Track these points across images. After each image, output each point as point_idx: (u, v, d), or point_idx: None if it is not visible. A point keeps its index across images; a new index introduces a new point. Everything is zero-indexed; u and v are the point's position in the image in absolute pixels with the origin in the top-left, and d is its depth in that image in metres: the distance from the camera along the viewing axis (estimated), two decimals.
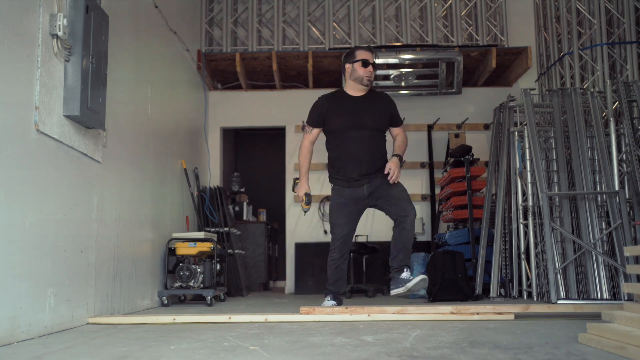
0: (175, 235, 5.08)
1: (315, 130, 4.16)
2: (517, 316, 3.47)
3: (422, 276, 3.86)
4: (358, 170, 3.98)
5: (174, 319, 3.33)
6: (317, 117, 4.12)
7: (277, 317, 3.40)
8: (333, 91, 4.25)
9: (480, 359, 1.95)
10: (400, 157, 4.03)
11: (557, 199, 5.08)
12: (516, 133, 5.54)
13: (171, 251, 4.98)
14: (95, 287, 3.46)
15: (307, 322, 3.26)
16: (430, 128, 7.28)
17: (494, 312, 3.45)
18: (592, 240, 4.83)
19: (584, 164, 5.12)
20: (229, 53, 6.86)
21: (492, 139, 6.41)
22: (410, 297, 5.59)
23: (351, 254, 6.13)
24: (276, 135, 8.46)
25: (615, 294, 4.67)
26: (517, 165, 5.48)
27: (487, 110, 7.10)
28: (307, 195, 4.13)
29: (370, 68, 3.99)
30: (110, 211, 3.74)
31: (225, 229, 6.24)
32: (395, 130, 4.17)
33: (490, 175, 6.13)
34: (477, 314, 3.42)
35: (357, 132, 3.99)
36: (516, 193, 5.48)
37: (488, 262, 5.44)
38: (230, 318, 3.36)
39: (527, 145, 5.30)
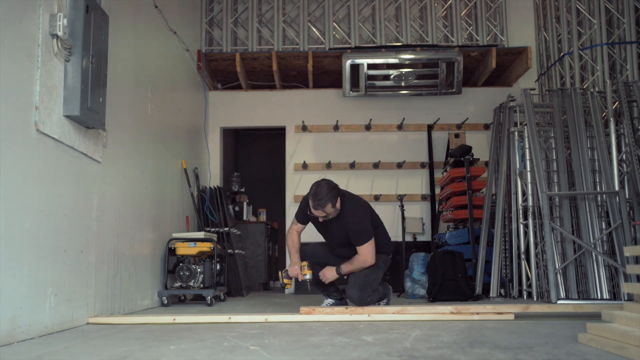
0: (175, 235, 5.08)
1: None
2: (517, 316, 3.47)
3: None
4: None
5: (174, 319, 3.33)
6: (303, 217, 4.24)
7: (277, 317, 3.40)
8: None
9: (480, 359, 1.95)
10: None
11: (557, 199, 5.08)
12: (516, 133, 5.54)
13: (171, 251, 4.98)
14: (95, 287, 3.46)
15: (307, 322, 3.26)
16: (430, 128, 7.28)
17: (494, 312, 3.45)
18: (592, 240, 4.83)
19: (584, 164, 5.12)
20: (229, 53, 6.86)
21: (492, 139, 6.41)
22: (410, 297, 5.59)
23: None
24: (276, 135, 8.46)
25: (615, 294, 4.67)
26: (517, 165, 5.48)
27: (487, 110, 7.10)
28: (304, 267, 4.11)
29: (321, 218, 3.97)
30: (110, 211, 3.74)
31: (225, 229, 6.23)
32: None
33: (490, 175, 6.13)
34: (477, 314, 3.42)
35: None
36: (516, 193, 5.48)
37: (488, 262, 5.44)
38: (230, 318, 3.36)
39: (527, 145, 5.30)
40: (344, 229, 3.95)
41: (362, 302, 3.84)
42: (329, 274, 4.01)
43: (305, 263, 4.06)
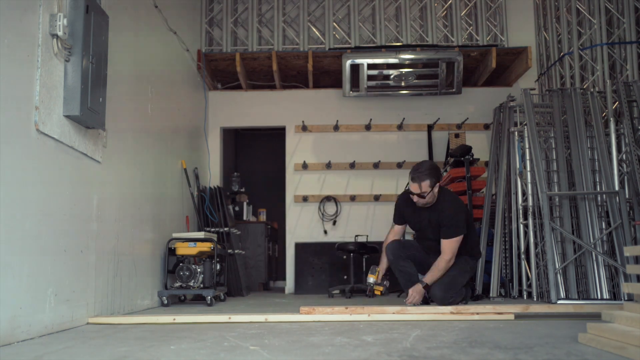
0: (175, 235, 5.08)
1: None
2: (517, 316, 3.47)
3: None
4: None
5: (174, 319, 3.33)
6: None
7: (277, 317, 3.40)
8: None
9: (480, 359, 1.95)
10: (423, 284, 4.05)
11: (557, 199, 5.08)
12: (516, 133, 5.54)
13: (171, 251, 4.98)
14: (95, 287, 3.46)
15: (307, 322, 3.26)
16: (430, 128, 7.28)
17: (494, 312, 3.45)
18: (592, 240, 4.83)
19: (584, 164, 5.12)
20: (229, 53, 6.86)
21: (492, 139, 6.41)
22: None
23: (351, 254, 6.12)
24: (276, 135, 8.46)
25: (615, 294, 4.67)
26: (517, 165, 5.48)
27: (487, 110, 7.10)
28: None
29: (418, 198, 4.01)
30: (110, 211, 3.74)
31: (225, 229, 6.23)
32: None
33: (490, 175, 6.13)
34: (477, 314, 3.42)
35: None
36: (516, 193, 5.48)
37: (488, 262, 5.44)
38: (230, 318, 3.36)
39: (527, 145, 5.30)
40: (436, 221, 4.00)
41: (444, 302, 3.91)
42: (416, 294, 4.01)
43: (378, 269, 4.20)
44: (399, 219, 4.32)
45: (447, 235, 3.96)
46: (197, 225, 6.15)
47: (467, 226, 4.08)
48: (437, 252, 4.09)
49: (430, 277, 4.00)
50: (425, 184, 3.90)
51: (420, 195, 3.95)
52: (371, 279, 4.23)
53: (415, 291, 4.02)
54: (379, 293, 4.31)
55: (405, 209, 4.18)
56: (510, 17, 7.19)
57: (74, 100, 3.05)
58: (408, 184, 4.07)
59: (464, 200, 5.90)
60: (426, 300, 4.16)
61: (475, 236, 4.23)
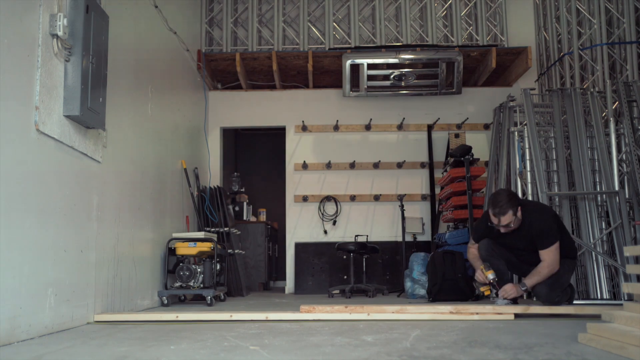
0: (175, 235, 5.08)
1: None
2: (517, 316, 3.47)
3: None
4: None
5: (177, 317, 3.34)
6: None
7: (278, 315, 3.40)
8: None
9: (480, 359, 1.95)
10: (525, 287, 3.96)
11: (557, 199, 5.08)
12: (516, 133, 5.53)
13: (171, 251, 4.98)
14: (95, 287, 3.46)
15: (307, 322, 3.25)
16: (430, 128, 7.28)
17: (494, 312, 3.45)
18: (592, 240, 4.83)
19: (584, 164, 5.12)
20: (229, 53, 6.86)
21: (492, 139, 6.41)
22: (410, 297, 5.59)
23: (351, 254, 6.13)
24: (276, 135, 8.46)
25: (615, 294, 4.67)
26: (517, 165, 5.47)
27: (487, 110, 7.10)
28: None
29: (503, 228, 3.93)
30: (110, 211, 3.74)
31: (225, 229, 6.23)
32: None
33: (490, 175, 6.13)
34: (477, 313, 3.42)
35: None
36: (516, 193, 5.48)
37: None
38: (231, 316, 3.37)
39: (527, 145, 5.30)
40: (527, 237, 3.93)
41: (551, 301, 3.87)
42: (511, 291, 3.94)
43: (482, 266, 4.07)
44: (478, 238, 4.22)
45: (543, 246, 3.88)
46: (197, 225, 6.15)
47: (560, 229, 4.00)
48: (531, 261, 4.01)
49: (530, 281, 3.91)
50: (509, 216, 3.83)
51: (507, 227, 3.90)
52: (490, 275, 4.02)
53: (511, 287, 3.93)
54: (488, 293, 4.18)
55: (488, 232, 4.08)
56: (510, 17, 7.19)
57: (74, 100, 3.05)
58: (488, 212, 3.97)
59: (464, 200, 5.90)
60: (515, 300, 4.06)
61: (568, 236, 4.11)
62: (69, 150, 3.13)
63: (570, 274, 4.10)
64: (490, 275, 4.01)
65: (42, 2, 2.85)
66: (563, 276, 3.98)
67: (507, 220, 3.84)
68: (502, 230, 3.92)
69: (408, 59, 6.61)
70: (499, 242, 4.11)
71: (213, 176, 7.05)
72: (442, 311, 3.47)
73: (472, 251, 4.28)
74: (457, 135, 6.97)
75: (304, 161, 7.25)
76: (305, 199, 7.20)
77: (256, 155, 10.19)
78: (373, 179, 7.25)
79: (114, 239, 3.81)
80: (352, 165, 7.24)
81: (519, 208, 3.88)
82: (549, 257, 3.87)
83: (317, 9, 7.30)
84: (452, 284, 5.11)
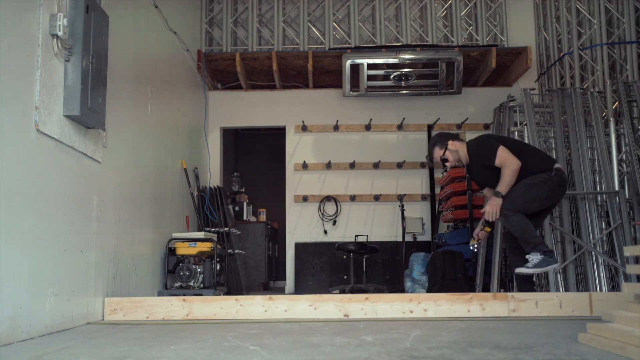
0: (175, 235, 5.08)
1: None
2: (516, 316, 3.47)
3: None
4: None
5: (184, 299, 3.34)
6: None
7: (280, 297, 3.48)
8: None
9: (480, 359, 1.95)
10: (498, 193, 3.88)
11: None
12: (516, 133, 5.54)
13: (171, 251, 4.98)
14: (95, 287, 3.46)
15: (307, 322, 3.26)
16: (430, 128, 7.28)
17: (491, 296, 3.48)
18: (592, 240, 4.83)
19: (584, 164, 5.12)
20: (229, 53, 6.86)
21: None
22: None
23: (351, 254, 6.13)
24: (276, 135, 8.46)
25: None
26: None
27: (487, 110, 7.10)
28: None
29: (448, 164, 4.15)
30: (110, 211, 3.74)
31: (225, 229, 6.24)
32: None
33: None
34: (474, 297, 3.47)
35: None
36: None
37: (488, 262, 5.44)
38: (237, 301, 3.49)
39: None
40: (480, 166, 4.01)
41: (510, 209, 3.74)
42: (494, 204, 3.83)
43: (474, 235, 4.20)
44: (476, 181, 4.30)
45: (492, 158, 3.86)
46: (197, 225, 6.15)
47: (514, 148, 3.91)
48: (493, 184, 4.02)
49: (502, 187, 3.82)
50: (436, 151, 4.09)
51: (443, 161, 4.08)
52: (474, 243, 4.19)
53: (492, 205, 3.85)
54: (488, 230, 4.11)
55: (470, 174, 4.23)
56: (510, 17, 7.19)
57: (74, 100, 3.05)
58: None
59: (464, 200, 5.90)
60: (492, 225, 4.05)
61: (531, 151, 4.05)
62: (69, 151, 3.13)
63: (536, 189, 3.83)
64: (474, 243, 4.22)
65: (42, 2, 2.85)
66: (533, 186, 3.81)
67: (437, 155, 4.07)
68: (447, 166, 4.14)
69: (408, 59, 6.61)
70: (478, 182, 4.24)
71: (213, 176, 7.05)
72: (439, 298, 3.48)
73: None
74: None
75: (304, 161, 7.25)
76: (305, 199, 7.20)
77: (256, 155, 10.19)
78: (373, 179, 7.25)
79: (114, 239, 3.81)
80: (352, 165, 7.24)
81: (451, 142, 4.04)
82: (501, 160, 3.83)
83: (317, 9, 7.30)
84: (452, 284, 5.11)
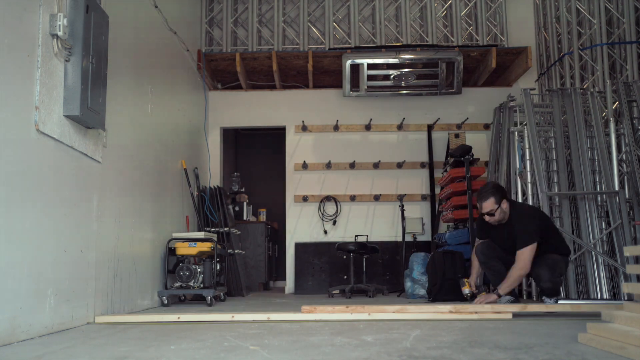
0: (175, 235, 5.08)
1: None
2: (515, 315, 3.47)
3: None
4: None
5: (178, 317, 3.34)
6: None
7: (279, 316, 3.40)
8: None
9: (480, 359, 1.95)
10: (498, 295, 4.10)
11: (557, 199, 5.08)
12: (516, 133, 5.54)
13: (171, 251, 4.98)
14: (95, 287, 3.46)
15: (307, 322, 3.25)
16: (430, 128, 7.28)
17: (492, 312, 3.45)
18: (592, 240, 4.83)
19: (584, 164, 5.12)
20: (229, 53, 6.86)
21: (492, 139, 6.41)
22: (410, 297, 5.59)
23: (351, 254, 6.13)
24: (276, 135, 8.46)
25: (615, 294, 4.67)
26: (517, 165, 5.48)
27: (487, 110, 7.10)
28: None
29: (488, 217, 4.18)
30: (110, 211, 3.74)
31: (225, 229, 6.23)
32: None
33: (490, 175, 6.13)
34: (476, 312, 3.42)
35: None
36: (516, 193, 5.48)
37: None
38: (233, 317, 3.37)
39: (527, 145, 5.30)
40: (512, 234, 4.12)
41: (553, 281, 4.00)
42: (485, 300, 4.06)
43: (466, 279, 4.45)
44: (483, 235, 4.41)
45: (520, 245, 4.03)
46: (197, 225, 6.15)
47: (547, 230, 4.15)
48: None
49: (504, 287, 4.04)
50: (490, 202, 4.09)
51: (489, 214, 4.13)
52: (466, 290, 4.39)
53: (486, 298, 4.07)
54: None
55: (485, 226, 4.31)
56: (510, 17, 7.19)
57: (74, 100, 3.05)
58: None
59: (464, 200, 5.90)
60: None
61: (558, 235, 4.28)
62: (69, 150, 3.13)
63: (564, 265, 4.17)
64: (466, 290, 4.40)
65: (42, 2, 2.85)
66: (560, 262, 4.10)
67: (489, 207, 4.09)
68: (488, 219, 4.15)
69: (408, 59, 6.61)
70: (493, 239, 4.32)
71: (213, 176, 7.05)
72: (442, 310, 3.48)
73: (474, 256, 4.46)
74: (457, 135, 6.97)
75: (304, 161, 7.25)
76: (305, 199, 7.20)
77: (256, 155, 10.18)
78: (373, 179, 7.25)
79: (114, 239, 3.81)
80: (352, 165, 7.24)
81: (504, 201, 4.12)
82: (523, 258, 4.01)
83: (317, 9, 7.29)
84: (452, 284, 5.10)
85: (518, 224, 4.07)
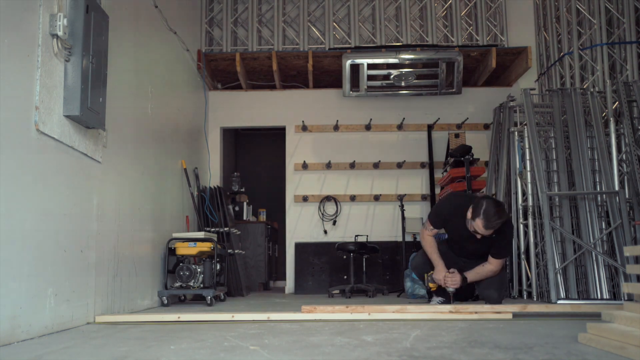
0: (175, 235, 5.08)
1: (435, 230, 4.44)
2: (515, 315, 3.47)
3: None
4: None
5: (179, 317, 3.34)
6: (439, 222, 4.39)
7: (279, 316, 3.40)
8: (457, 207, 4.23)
9: (480, 359, 1.95)
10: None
11: (557, 199, 5.08)
12: (516, 133, 5.53)
13: (171, 251, 4.98)
14: (95, 287, 3.46)
15: (307, 322, 3.25)
16: (430, 128, 7.28)
17: (492, 312, 3.45)
18: (592, 240, 4.83)
19: (584, 164, 5.12)
20: (229, 53, 6.86)
21: (492, 139, 6.41)
22: (410, 297, 5.59)
23: (351, 254, 6.13)
24: (276, 135, 8.46)
25: (615, 294, 4.67)
26: (517, 165, 5.48)
27: (487, 110, 7.10)
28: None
29: (480, 236, 4.06)
30: (110, 211, 3.74)
31: (225, 229, 6.23)
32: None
33: (490, 175, 6.13)
34: (476, 312, 3.42)
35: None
36: (516, 193, 5.48)
37: None
38: (233, 316, 3.37)
39: (527, 145, 5.30)
40: (488, 242, 4.14)
41: (499, 301, 4.25)
42: (457, 278, 4.20)
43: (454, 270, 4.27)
44: (440, 225, 4.35)
45: (499, 256, 4.22)
46: (197, 225, 6.15)
47: None
48: (471, 257, 4.36)
49: (472, 276, 4.24)
50: (492, 231, 3.99)
51: (484, 235, 4.05)
52: (450, 288, 4.27)
53: (457, 276, 4.19)
54: (435, 289, 4.45)
55: (451, 219, 4.22)
56: (510, 17, 7.18)
57: (74, 100, 3.05)
58: (471, 213, 4.00)
59: None
60: (449, 299, 4.29)
61: None
62: (69, 150, 3.13)
63: (506, 276, 4.65)
64: (451, 288, 4.29)
65: (42, 2, 2.85)
66: (504, 278, 4.46)
67: (488, 234, 4.03)
68: (479, 237, 4.06)
69: (408, 59, 6.61)
70: (453, 236, 4.33)
71: (213, 176, 7.05)
72: (442, 310, 3.48)
73: (429, 238, 4.39)
74: (457, 135, 6.96)
75: (304, 161, 7.25)
76: (305, 199, 7.20)
77: (256, 155, 10.18)
78: (373, 179, 7.26)
79: (114, 239, 3.81)
80: (352, 165, 7.24)
81: None
82: (496, 266, 4.23)
83: (317, 9, 7.29)
84: None
85: (504, 240, 4.18)
